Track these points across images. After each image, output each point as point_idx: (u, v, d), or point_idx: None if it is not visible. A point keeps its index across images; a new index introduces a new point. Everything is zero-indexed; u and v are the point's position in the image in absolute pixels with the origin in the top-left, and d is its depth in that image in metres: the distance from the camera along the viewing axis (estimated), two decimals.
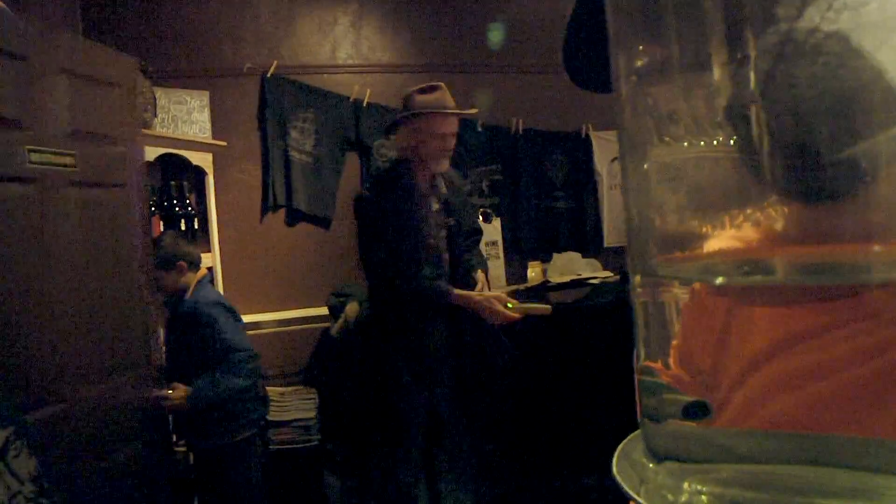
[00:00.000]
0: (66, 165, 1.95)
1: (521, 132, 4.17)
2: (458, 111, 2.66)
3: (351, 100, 3.86)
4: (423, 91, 2.62)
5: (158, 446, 2.38)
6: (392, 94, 3.96)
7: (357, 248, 2.72)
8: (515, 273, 4.20)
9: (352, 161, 3.95)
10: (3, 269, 1.75)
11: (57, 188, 1.93)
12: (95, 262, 2.07)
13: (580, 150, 4.32)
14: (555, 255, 4.20)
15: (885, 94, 0.39)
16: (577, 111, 4.20)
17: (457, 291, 2.57)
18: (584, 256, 4.23)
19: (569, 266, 4.13)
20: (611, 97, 0.47)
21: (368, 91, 3.89)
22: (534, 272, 4.14)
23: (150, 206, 2.90)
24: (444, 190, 2.73)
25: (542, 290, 3.91)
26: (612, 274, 4.10)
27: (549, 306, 2.56)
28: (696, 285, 0.45)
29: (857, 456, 0.37)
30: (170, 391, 2.39)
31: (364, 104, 3.88)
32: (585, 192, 4.35)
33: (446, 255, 2.70)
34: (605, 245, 4.31)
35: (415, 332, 2.62)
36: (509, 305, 2.53)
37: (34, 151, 1.84)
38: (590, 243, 4.33)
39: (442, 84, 2.66)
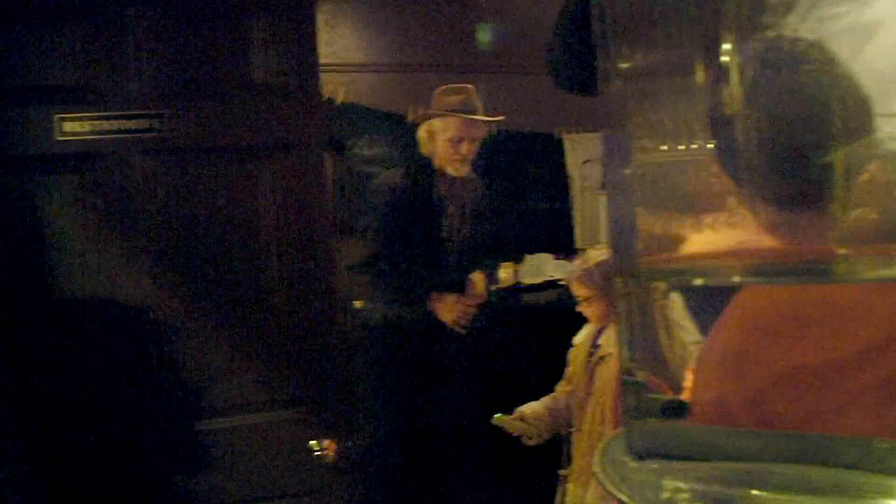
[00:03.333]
0: (143, 130, 1.52)
1: (494, 133, 4.17)
2: (469, 115, 2.55)
3: (325, 98, 3.83)
4: (446, 92, 2.56)
5: None
6: (367, 93, 3.94)
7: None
8: (487, 274, 4.20)
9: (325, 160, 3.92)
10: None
11: (131, 159, 1.53)
12: (220, 251, 1.66)
13: (552, 151, 4.34)
14: (526, 257, 4.21)
15: (861, 103, 0.40)
16: (549, 113, 4.21)
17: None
18: (555, 258, 4.25)
19: (540, 267, 4.14)
20: (587, 100, 0.48)
21: (343, 90, 3.86)
22: (505, 273, 4.14)
23: None
24: (466, 196, 2.66)
25: (514, 292, 3.92)
26: None
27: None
28: (745, 286, 0.45)
29: (837, 455, 0.38)
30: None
31: (338, 103, 3.85)
32: (557, 193, 4.37)
33: (453, 258, 2.67)
34: (577, 247, 4.34)
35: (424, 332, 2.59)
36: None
37: (68, 120, 1.46)
38: (561, 245, 4.35)
39: (470, 86, 2.58)
